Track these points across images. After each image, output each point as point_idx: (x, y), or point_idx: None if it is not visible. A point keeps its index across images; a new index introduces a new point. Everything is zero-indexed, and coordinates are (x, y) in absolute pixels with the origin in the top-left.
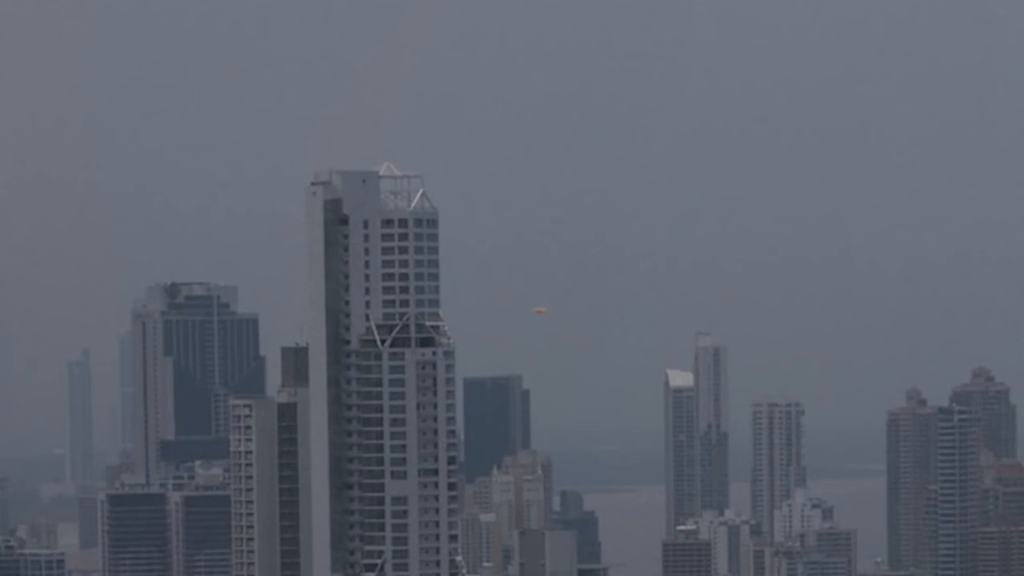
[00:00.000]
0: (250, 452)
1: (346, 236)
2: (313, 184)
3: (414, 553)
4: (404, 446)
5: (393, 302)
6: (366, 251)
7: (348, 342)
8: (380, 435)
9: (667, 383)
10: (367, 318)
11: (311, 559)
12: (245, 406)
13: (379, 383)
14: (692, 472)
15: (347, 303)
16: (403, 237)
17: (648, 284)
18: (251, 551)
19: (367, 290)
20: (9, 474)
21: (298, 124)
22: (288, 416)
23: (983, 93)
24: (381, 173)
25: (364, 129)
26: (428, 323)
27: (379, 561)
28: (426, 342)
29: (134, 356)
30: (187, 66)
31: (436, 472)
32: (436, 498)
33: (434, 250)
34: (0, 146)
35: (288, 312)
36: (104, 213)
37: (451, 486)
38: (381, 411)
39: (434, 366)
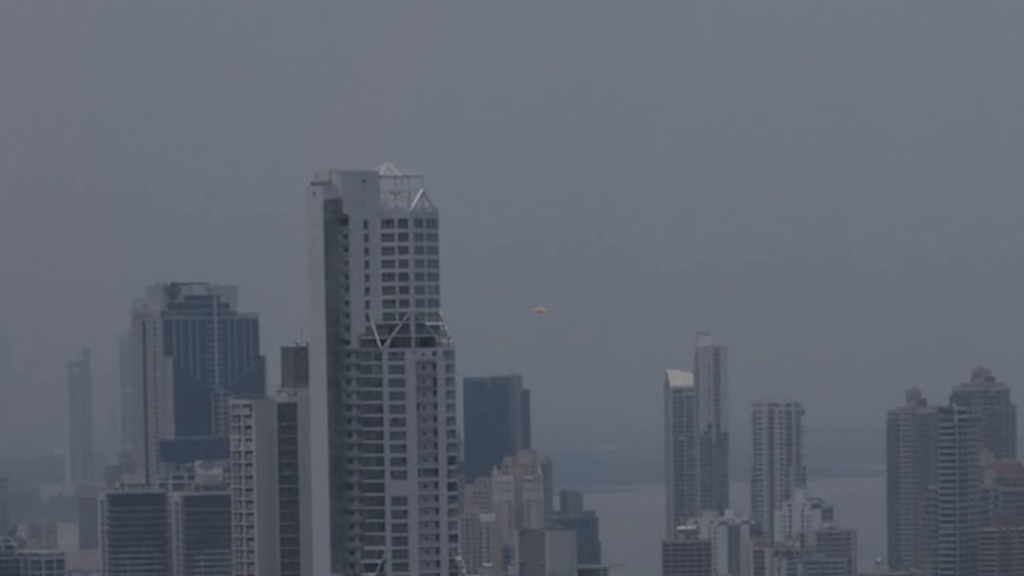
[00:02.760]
0: (250, 452)
1: (346, 236)
2: (313, 184)
3: (414, 553)
4: (404, 446)
5: (393, 302)
6: (366, 251)
7: (348, 342)
8: (380, 435)
9: (667, 383)
10: (367, 318)
11: (311, 559)
12: (245, 406)
13: (379, 383)
14: (692, 472)
15: (347, 303)
16: (403, 237)
17: (648, 284)
18: (251, 551)
19: (367, 290)
20: (9, 474)
21: (298, 124)
22: (288, 416)
23: (983, 93)
24: (381, 173)
25: (364, 129)
26: (428, 323)
27: (379, 561)
28: (426, 342)
29: (134, 356)
30: (187, 66)
31: (436, 472)
32: (436, 498)
33: (434, 250)
34: (0, 146)
35: (288, 312)
36: (104, 213)
37: (451, 486)
38: (381, 411)
39: (434, 366)
